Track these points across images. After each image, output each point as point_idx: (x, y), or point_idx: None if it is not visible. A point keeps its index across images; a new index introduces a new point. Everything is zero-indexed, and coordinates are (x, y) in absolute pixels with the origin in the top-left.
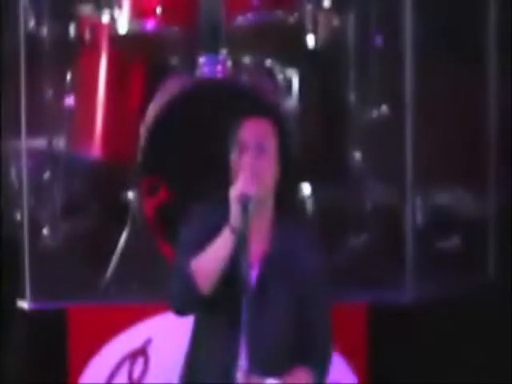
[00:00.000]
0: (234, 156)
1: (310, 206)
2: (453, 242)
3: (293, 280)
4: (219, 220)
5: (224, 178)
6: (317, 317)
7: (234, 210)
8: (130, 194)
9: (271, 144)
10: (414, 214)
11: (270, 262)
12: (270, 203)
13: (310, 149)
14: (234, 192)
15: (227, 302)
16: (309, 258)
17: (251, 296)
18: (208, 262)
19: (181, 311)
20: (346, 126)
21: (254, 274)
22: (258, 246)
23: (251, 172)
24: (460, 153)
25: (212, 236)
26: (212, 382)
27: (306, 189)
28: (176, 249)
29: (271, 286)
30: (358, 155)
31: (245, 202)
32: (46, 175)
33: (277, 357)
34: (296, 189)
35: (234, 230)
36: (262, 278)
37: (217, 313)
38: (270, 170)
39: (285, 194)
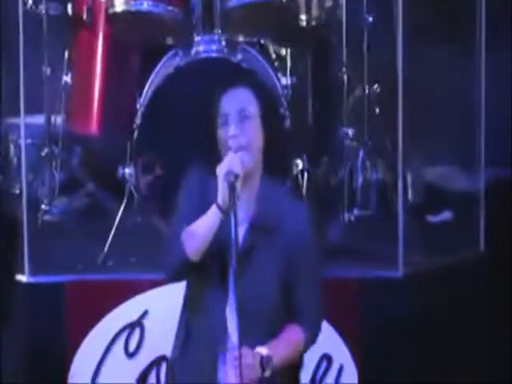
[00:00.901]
0: (219, 131)
1: (302, 181)
2: (443, 217)
3: (281, 248)
4: (210, 194)
5: (218, 155)
6: (307, 284)
7: (221, 187)
8: (127, 171)
9: (253, 112)
10: (406, 189)
11: (256, 230)
12: (258, 173)
13: (302, 125)
14: (221, 170)
15: (216, 269)
16: (297, 228)
17: (240, 262)
18: (197, 234)
19: (172, 277)
20: (338, 102)
21: (241, 242)
22: (247, 211)
23: (236, 146)
24: (450, 129)
25: (203, 209)
26: (203, 347)
27: (299, 165)
28: (170, 220)
29: (259, 254)
30: (350, 132)
31: (231, 179)
32: (44, 152)
33: (267, 320)
34: (289, 164)
35: (221, 208)
36: (250, 244)
37: (206, 280)
38: (255, 138)
39: (275, 165)
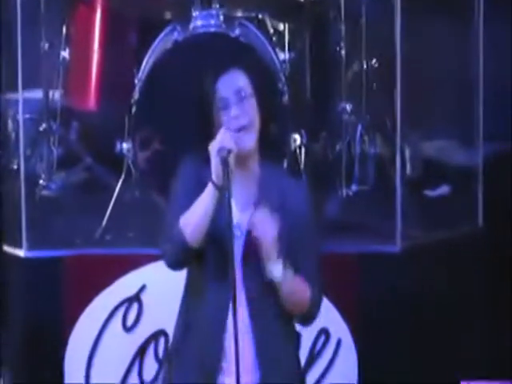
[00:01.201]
0: (217, 115)
1: (300, 156)
2: (441, 191)
3: (283, 228)
4: (206, 176)
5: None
6: (309, 262)
7: (215, 164)
8: (125, 146)
9: (249, 92)
10: (404, 163)
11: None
12: (256, 154)
13: (301, 101)
14: (213, 147)
15: (217, 254)
16: (299, 207)
17: (248, 248)
18: (194, 217)
19: (173, 265)
20: (336, 77)
21: (246, 220)
22: (250, 194)
23: (238, 127)
24: (448, 103)
25: (200, 192)
26: (205, 336)
27: (297, 140)
28: (166, 206)
29: None
30: (348, 106)
31: (224, 156)
32: (42, 127)
33: (274, 303)
34: (287, 139)
35: (215, 185)
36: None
37: (207, 266)
38: (254, 117)
39: (273, 141)
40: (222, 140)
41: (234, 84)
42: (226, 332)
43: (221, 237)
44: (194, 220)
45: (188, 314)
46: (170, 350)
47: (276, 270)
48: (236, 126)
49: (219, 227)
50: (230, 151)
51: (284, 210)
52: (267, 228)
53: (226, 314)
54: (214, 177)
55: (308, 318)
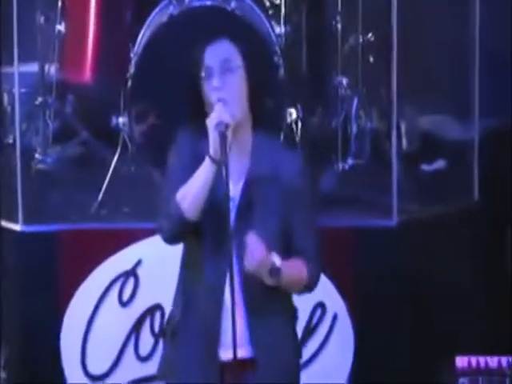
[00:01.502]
0: (203, 84)
1: (296, 130)
2: (437, 166)
3: (278, 197)
4: (202, 149)
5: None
6: (306, 230)
7: (212, 138)
8: (120, 120)
9: (237, 64)
10: (400, 138)
11: (253, 185)
12: (247, 125)
13: (296, 74)
14: (211, 121)
15: (214, 228)
16: (293, 176)
17: (240, 218)
18: (192, 191)
19: (170, 239)
20: (332, 51)
21: (238, 194)
22: (241, 167)
23: (220, 97)
24: (445, 77)
25: (195, 166)
26: (204, 307)
27: (293, 114)
28: (162, 180)
29: (258, 207)
30: (344, 80)
31: (222, 129)
32: (38, 100)
33: None
34: (282, 113)
35: (213, 159)
36: (248, 199)
37: (204, 238)
38: (238, 91)
39: (268, 114)
40: (219, 114)
41: (220, 54)
42: (224, 305)
43: (217, 210)
44: (191, 194)
45: (186, 287)
46: (168, 324)
47: (271, 280)
48: (217, 98)
49: (215, 200)
50: (227, 125)
51: (277, 181)
52: (256, 252)
53: (224, 287)
54: (211, 150)
55: (306, 291)
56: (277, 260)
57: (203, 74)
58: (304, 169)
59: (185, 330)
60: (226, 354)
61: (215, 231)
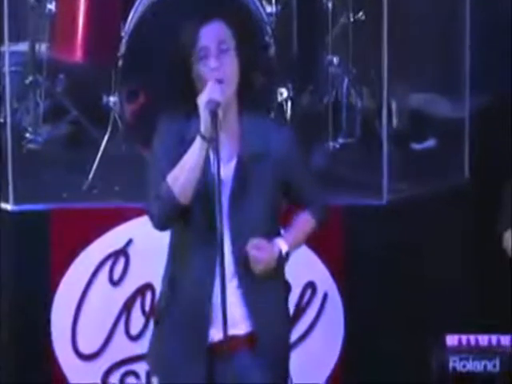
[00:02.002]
0: (197, 64)
1: (287, 109)
2: (428, 144)
3: (271, 169)
4: (188, 131)
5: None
6: (305, 179)
7: (204, 116)
8: (111, 99)
9: (230, 45)
10: (390, 116)
11: (244, 161)
12: (233, 106)
13: (287, 53)
14: (202, 99)
15: (204, 211)
16: (285, 146)
17: (234, 197)
18: (183, 173)
19: (161, 224)
20: (323, 30)
21: (230, 175)
22: (230, 147)
23: (216, 77)
24: (435, 56)
25: (182, 148)
26: (194, 287)
27: (284, 93)
28: (150, 165)
29: (251, 184)
30: (335, 59)
31: (213, 107)
32: (29, 80)
33: None
34: (273, 92)
35: (204, 137)
36: (242, 178)
37: (194, 218)
38: (232, 71)
39: (259, 94)
40: (210, 92)
41: (216, 35)
42: (215, 285)
43: (208, 191)
44: (183, 176)
45: (175, 268)
46: (158, 306)
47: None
48: (213, 78)
49: (206, 181)
50: (218, 104)
51: (269, 156)
52: (260, 257)
53: (214, 266)
54: (202, 129)
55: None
56: (282, 245)
57: (200, 54)
58: (294, 138)
59: (174, 310)
60: (217, 334)
61: (206, 213)
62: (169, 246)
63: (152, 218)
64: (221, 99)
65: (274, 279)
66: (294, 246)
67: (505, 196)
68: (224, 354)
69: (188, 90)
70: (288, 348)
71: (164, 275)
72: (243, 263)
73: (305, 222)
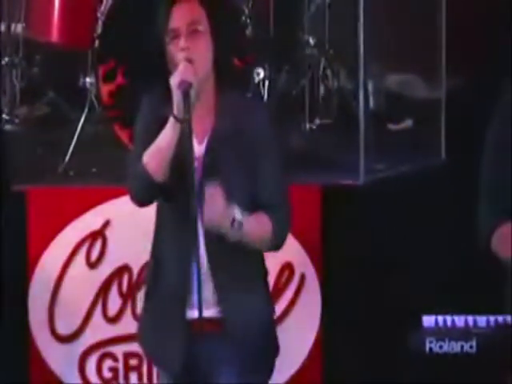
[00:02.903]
0: (168, 44)
1: (264, 90)
2: (404, 125)
3: (245, 150)
4: (166, 111)
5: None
6: (273, 181)
7: (176, 97)
8: (88, 80)
9: (204, 26)
10: (367, 97)
11: (217, 139)
12: (210, 83)
13: (264, 34)
14: (174, 80)
15: (181, 189)
16: (259, 125)
17: (204, 173)
18: (156, 152)
19: (139, 201)
20: (299, 10)
21: (202, 152)
22: (205, 126)
23: (187, 58)
24: (411, 36)
25: (160, 128)
26: (172, 267)
27: (261, 73)
28: (132, 144)
29: (222, 161)
30: (311, 40)
31: (185, 88)
32: (5, 60)
33: None
34: (250, 72)
35: (177, 118)
36: (211, 154)
37: (173, 200)
38: (204, 52)
39: (236, 74)
40: (182, 73)
41: (187, 15)
42: (192, 265)
43: (182, 170)
44: (157, 154)
45: (155, 250)
46: (146, 279)
47: (233, 234)
48: (182, 57)
49: (180, 160)
50: (190, 84)
51: (243, 136)
52: (215, 204)
53: (191, 249)
54: (175, 109)
55: (272, 248)
56: (238, 213)
57: (171, 35)
58: (270, 120)
59: (155, 289)
60: (193, 314)
61: (181, 191)
62: (155, 222)
63: (131, 196)
64: (193, 80)
65: (248, 265)
66: (249, 227)
67: (485, 186)
68: (197, 334)
69: (163, 70)
70: (263, 336)
71: (151, 251)
72: (214, 247)
73: (265, 220)
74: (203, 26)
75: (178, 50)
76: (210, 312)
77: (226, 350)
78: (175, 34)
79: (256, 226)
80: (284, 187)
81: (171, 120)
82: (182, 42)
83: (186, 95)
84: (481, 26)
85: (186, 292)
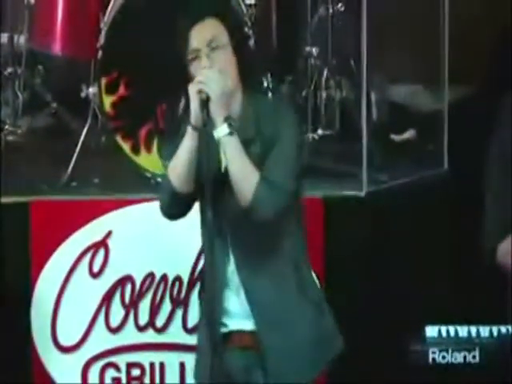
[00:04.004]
0: (190, 64)
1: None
2: (407, 135)
3: (264, 147)
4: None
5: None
6: (276, 167)
7: (193, 106)
8: (91, 90)
9: (224, 41)
10: (370, 108)
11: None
12: (238, 94)
13: (267, 44)
14: (192, 88)
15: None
16: (287, 133)
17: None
18: (178, 163)
19: (167, 213)
20: (302, 21)
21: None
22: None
23: (211, 77)
24: (414, 47)
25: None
26: (209, 280)
27: (264, 84)
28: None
29: None
30: (314, 50)
31: (202, 98)
32: (7, 71)
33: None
34: (253, 83)
35: (194, 127)
36: None
37: (201, 210)
38: (226, 65)
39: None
40: (200, 82)
41: (206, 34)
42: (226, 276)
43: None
44: (179, 165)
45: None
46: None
47: (221, 129)
48: (208, 72)
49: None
50: (208, 94)
51: (264, 137)
52: (215, 85)
53: (223, 257)
54: (192, 119)
55: (252, 210)
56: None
57: (190, 56)
58: (292, 117)
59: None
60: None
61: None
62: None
63: (161, 209)
64: (212, 91)
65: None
66: (237, 153)
67: (488, 200)
68: (230, 347)
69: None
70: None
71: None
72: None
73: (253, 171)
74: (223, 42)
75: (199, 69)
76: (241, 325)
77: (254, 366)
78: (196, 55)
79: (244, 166)
80: (289, 174)
81: (189, 129)
82: (203, 62)
83: (203, 105)
84: (483, 36)
85: (219, 301)
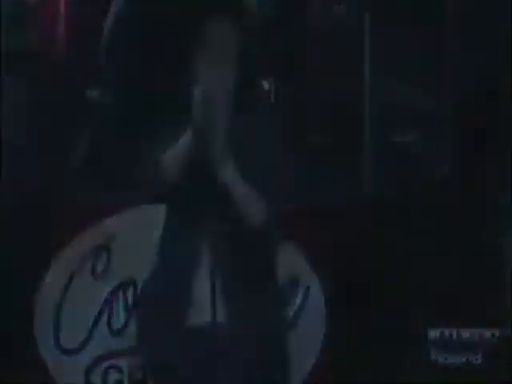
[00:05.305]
0: (197, 59)
1: (269, 103)
2: (410, 139)
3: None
4: None
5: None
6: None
7: (195, 107)
8: (93, 92)
9: (232, 43)
10: (372, 111)
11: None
12: (231, 97)
13: (270, 48)
14: (196, 90)
15: (191, 194)
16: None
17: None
18: (172, 153)
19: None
20: (305, 25)
21: None
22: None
23: (212, 73)
24: (416, 50)
25: None
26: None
27: (265, 86)
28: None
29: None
30: (316, 54)
31: (206, 99)
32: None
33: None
34: (257, 85)
35: (195, 128)
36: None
37: (183, 206)
38: (231, 67)
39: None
40: (203, 83)
41: (219, 33)
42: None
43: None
44: (171, 155)
45: (164, 254)
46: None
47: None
48: (213, 73)
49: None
50: (210, 95)
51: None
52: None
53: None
54: (193, 119)
55: None
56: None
57: (201, 51)
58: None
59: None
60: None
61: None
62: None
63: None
64: (214, 91)
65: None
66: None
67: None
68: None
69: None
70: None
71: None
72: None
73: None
74: (232, 44)
75: (207, 67)
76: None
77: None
78: (206, 52)
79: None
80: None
81: (189, 129)
82: (212, 61)
83: (206, 106)
84: (486, 38)
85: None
